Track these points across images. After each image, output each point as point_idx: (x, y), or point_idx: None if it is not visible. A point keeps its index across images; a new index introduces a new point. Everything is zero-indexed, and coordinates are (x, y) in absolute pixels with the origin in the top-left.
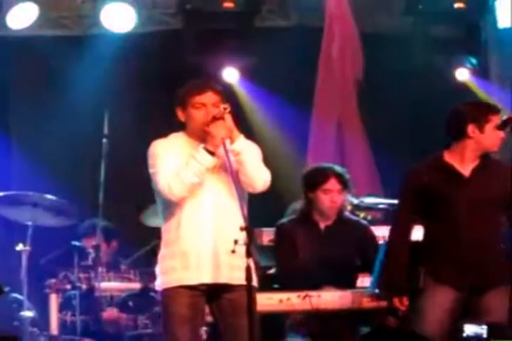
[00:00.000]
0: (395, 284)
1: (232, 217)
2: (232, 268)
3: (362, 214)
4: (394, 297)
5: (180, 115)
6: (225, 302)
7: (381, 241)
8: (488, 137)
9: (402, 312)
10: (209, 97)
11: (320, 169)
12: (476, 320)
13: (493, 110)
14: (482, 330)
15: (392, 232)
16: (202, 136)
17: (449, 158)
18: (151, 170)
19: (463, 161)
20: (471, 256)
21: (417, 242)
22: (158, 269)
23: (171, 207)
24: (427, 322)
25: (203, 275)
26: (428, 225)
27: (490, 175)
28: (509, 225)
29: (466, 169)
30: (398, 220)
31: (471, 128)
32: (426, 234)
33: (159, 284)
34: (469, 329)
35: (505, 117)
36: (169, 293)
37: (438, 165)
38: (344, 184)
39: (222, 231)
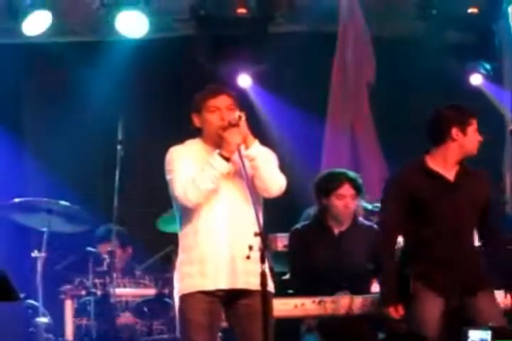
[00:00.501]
0: (387, 293)
1: (248, 223)
2: (249, 274)
3: (375, 219)
4: (389, 306)
5: (196, 121)
6: (242, 307)
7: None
8: (470, 140)
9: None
10: (223, 101)
11: (333, 174)
12: (479, 325)
13: (473, 114)
14: (487, 336)
15: (381, 240)
16: (217, 142)
17: (431, 163)
18: (168, 177)
19: (446, 166)
20: (458, 259)
21: (403, 247)
22: (176, 275)
23: (188, 213)
24: (425, 328)
25: (219, 282)
26: (413, 229)
27: (472, 180)
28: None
29: (450, 174)
30: (387, 226)
31: (455, 131)
32: (412, 239)
33: (177, 290)
34: (474, 335)
35: None
36: (186, 299)
37: (421, 170)
38: (357, 189)
39: (238, 237)
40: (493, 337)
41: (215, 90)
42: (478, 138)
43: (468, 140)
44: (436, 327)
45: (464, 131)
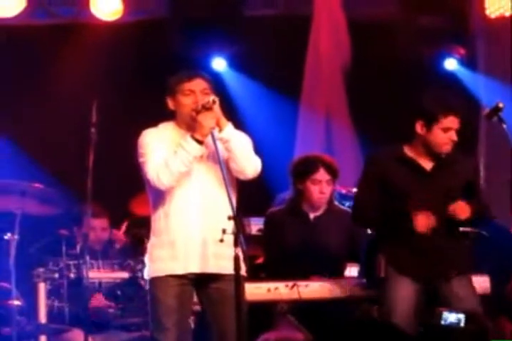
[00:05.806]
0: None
1: (221, 207)
2: (220, 258)
3: (348, 204)
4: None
5: (170, 104)
6: (213, 291)
7: (369, 231)
8: (434, 138)
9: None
10: (198, 84)
11: (309, 159)
12: (453, 308)
13: (446, 110)
14: (460, 318)
15: (357, 211)
16: (190, 125)
17: (409, 151)
18: (140, 160)
19: (421, 156)
20: (430, 246)
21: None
22: (147, 258)
23: (159, 197)
24: (395, 313)
25: (190, 265)
26: (386, 214)
27: (452, 169)
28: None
29: (428, 163)
30: (360, 201)
31: (419, 125)
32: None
33: (148, 273)
34: (448, 317)
35: (492, 106)
36: (157, 282)
37: (398, 157)
38: (333, 174)
39: (210, 221)
40: (466, 320)
41: (191, 73)
42: (448, 137)
43: (432, 137)
44: (406, 314)
45: (428, 127)
